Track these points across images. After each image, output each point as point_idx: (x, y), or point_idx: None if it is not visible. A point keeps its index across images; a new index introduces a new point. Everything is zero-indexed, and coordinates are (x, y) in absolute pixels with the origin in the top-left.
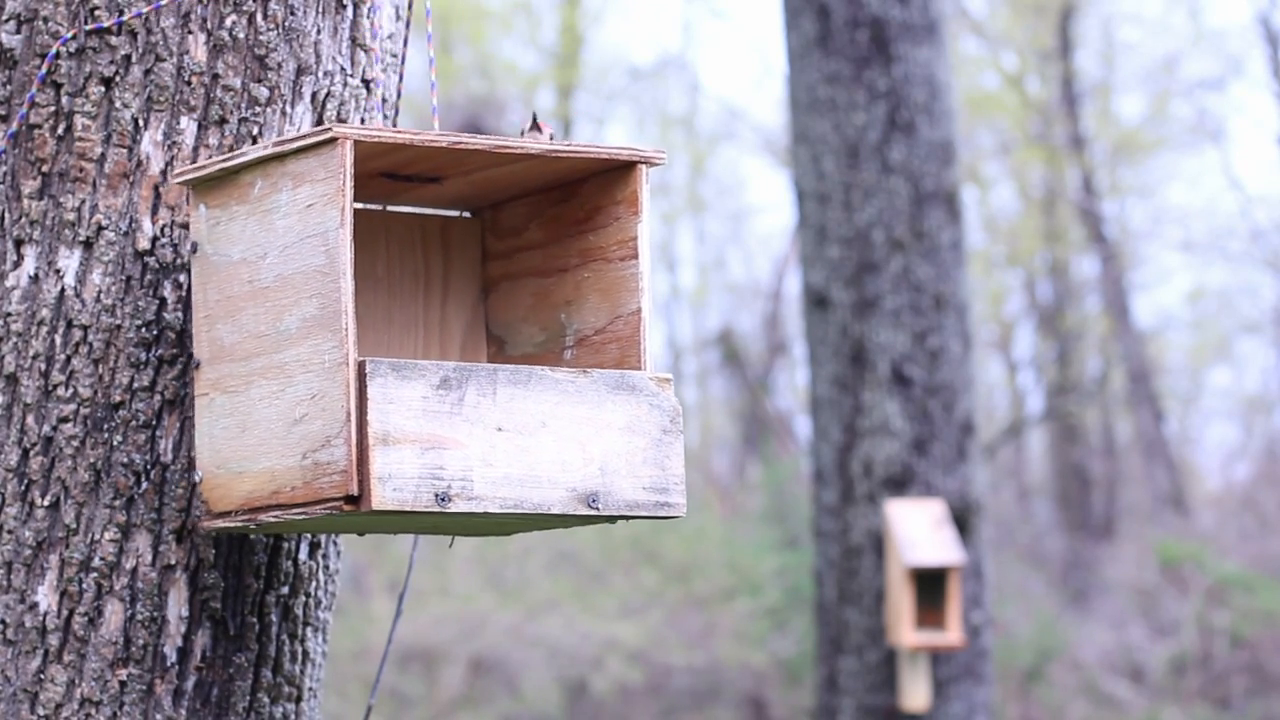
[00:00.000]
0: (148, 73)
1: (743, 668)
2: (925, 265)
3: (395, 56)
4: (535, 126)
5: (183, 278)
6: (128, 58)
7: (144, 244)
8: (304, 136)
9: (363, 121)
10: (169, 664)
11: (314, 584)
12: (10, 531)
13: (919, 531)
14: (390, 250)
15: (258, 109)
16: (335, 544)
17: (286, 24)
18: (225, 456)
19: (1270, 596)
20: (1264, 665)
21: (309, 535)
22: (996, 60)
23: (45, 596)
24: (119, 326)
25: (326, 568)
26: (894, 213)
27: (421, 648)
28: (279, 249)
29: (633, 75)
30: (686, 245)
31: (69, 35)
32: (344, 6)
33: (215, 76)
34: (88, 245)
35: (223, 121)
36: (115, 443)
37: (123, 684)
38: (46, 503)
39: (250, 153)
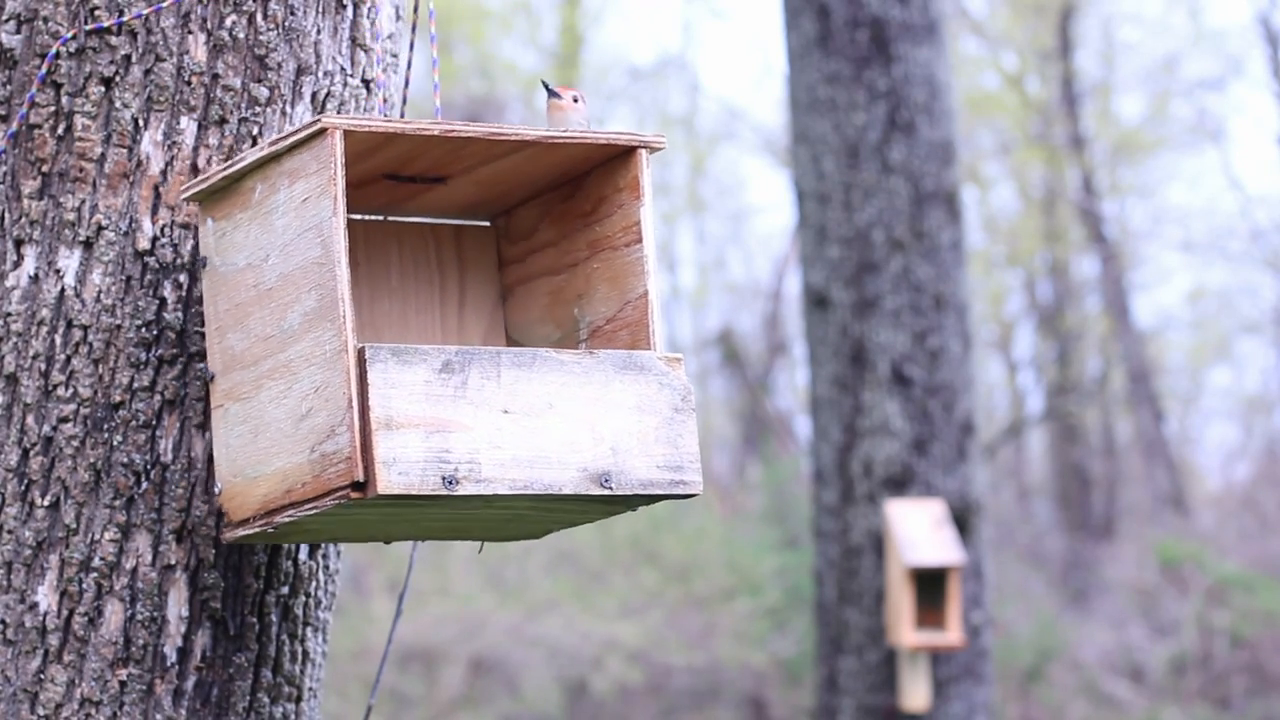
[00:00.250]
0: (148, 73)
1: (743, 668)
2: (925, 265)
3: (395, 56)
4: (554, 94)
5: (183, 278)
6: (128, 58)
7: (144, 244)
8: (296, 132)
9: None
10: (169, 664)
11: (314, 584)
12: (10, 531)
13: (919, 531)
14: (404, 261)
15: (258, 109)
16: (335, 544)
17: (286, 24)
18: (241, 464)
19: (1270, 596)
20: (1264, 665)
21: None
22: (996, 60)
23: (45, 596)
24: (119, 326)
25: (326, 568)
26: (894, 213)
27: (421, 648)
28: (279, 248)
29: (633, 75)
30: (686, 245)
31: (69, 35)
32: (344, 6)
33: (215, 76)
34: (88, 245)
35: (223, 121)
36: (115, 443)
37: (123, 684)
38: (46, 503)
39: (249, 156)
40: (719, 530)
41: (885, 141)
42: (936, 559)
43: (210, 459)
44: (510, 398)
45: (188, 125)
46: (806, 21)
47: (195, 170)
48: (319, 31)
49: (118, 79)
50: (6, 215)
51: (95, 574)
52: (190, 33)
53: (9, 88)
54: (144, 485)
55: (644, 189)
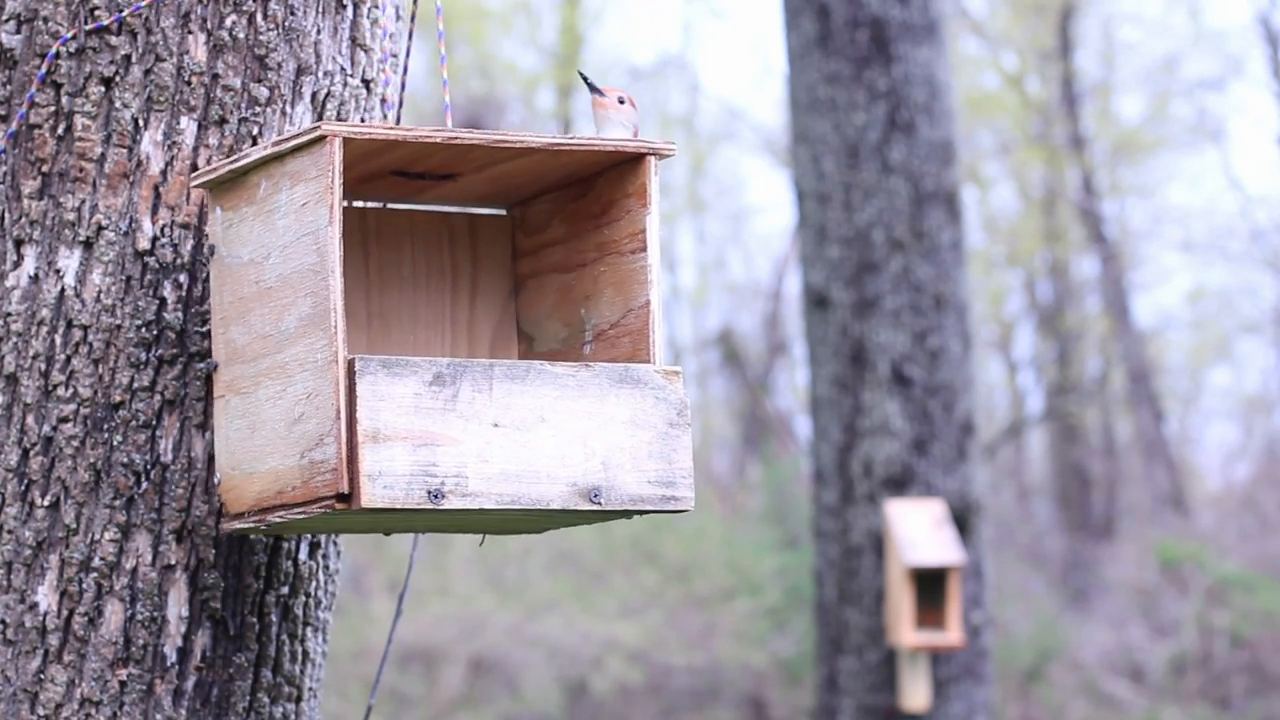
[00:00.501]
0: (148, 73)
1: (743, 668)
2: (925, 265)
3: (396, 56)
4: (596, 90)
5: (183, 278)
6: (128, 58)
7: (144, 244)
8: (298, 135)
9: (362, 120)
10: (169, 664)
11: (314, 584)
12: (10, 531)
13: (919, 531)
14: (416, 250)
15: (258, 109)
16: (335, 544)
17: (286, 24)
18: (239, 458)
19: (1270, 596)
20: (1264, 665)
21: (309, 535)
22: (996, 60)
23: (45, 596)
24: (119, 326)
25: (326, 568)
26: (894, 213)
27: (421, 648)
28: (280, 249)
29: (633, 75)
30: (686, 245)
31: (69, 35)
32: (344, 6)
33: (215, 76)
34: (88, 245)
35: (223, 121)
36: (115, 443)
37: (123, 684)
38: (46, 503)
39: (254, 153)
40: (719, 530)
41: (885, 141)
42: (936, 559)
43: (210, 459)
44: (501, 411)
45: (188, 125)
46: (806, 21)
47: (195, 170)
48: (319, 31)
49: (118, 79)
50: (6, 215)
51: (95, 574)
52: (190, 33)
53: (9, 88)
54: (144, 485)
55: (651, 197)
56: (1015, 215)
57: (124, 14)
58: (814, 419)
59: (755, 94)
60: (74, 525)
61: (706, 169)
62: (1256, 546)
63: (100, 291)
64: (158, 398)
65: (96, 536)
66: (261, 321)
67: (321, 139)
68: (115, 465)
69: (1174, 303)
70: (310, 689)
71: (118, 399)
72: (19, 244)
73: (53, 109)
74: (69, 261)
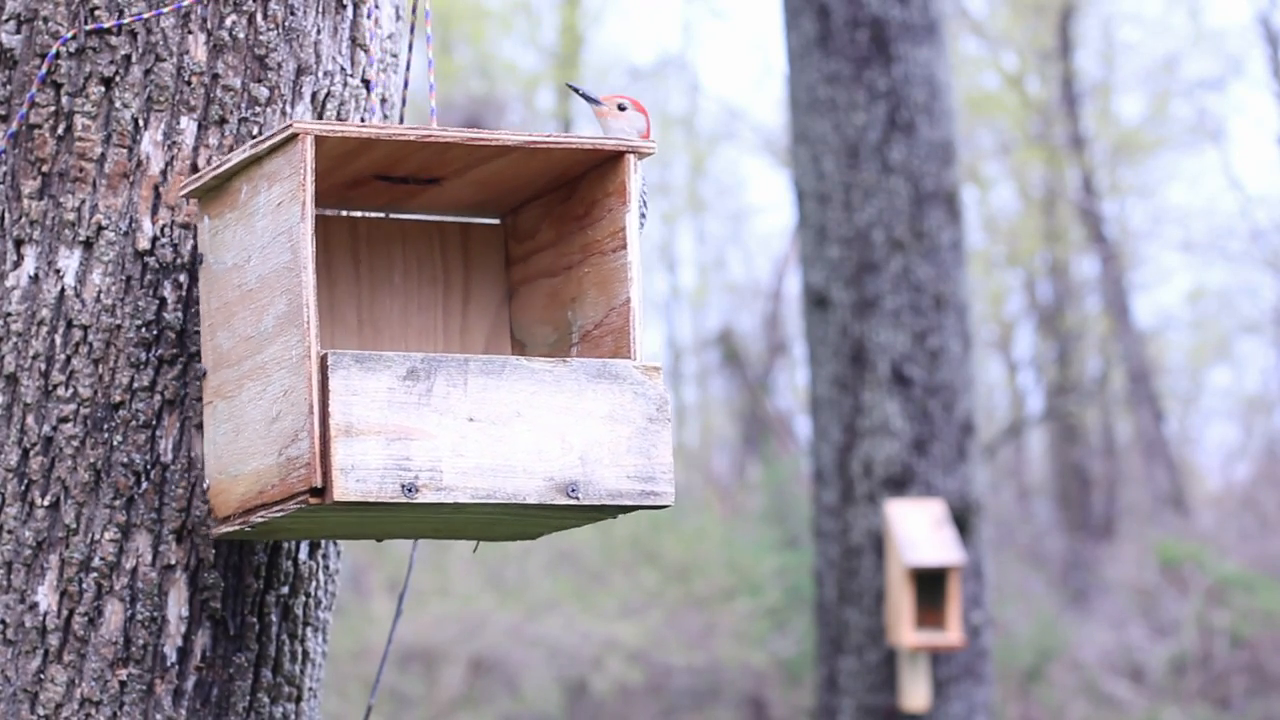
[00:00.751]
0: (148, 73)
1: (743, 668)
2: (925, 265)
3: (395, 56)
4: (593, 100)
5: (183, 278)
6: (128, 58)
7: (144, 244)
8: (271, 136)
9: (362, 120)
10: (169, 664)
11: (314, 584)
12: (10, 531)
13: (919, 531)
14: (408, 258)
15: (258, 109)
16: (335, 544)
17: (286, 24)
18: (225, 461)
19: (1270, 596)
20: (1264, 665)
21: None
22: (996, 60)
23: (45, 596)
24: (119, 326)
25: (326, 568)
26: (894, 213)
27: (421, 648)
28: (259, 250)
29: (633, 75)
30: (686, 245)
31: (69, 35)
32: (344, 6)
33: (215, 76)
34: (88, 245)
35: (223, 121)
36: (115, 443)
37: (123, 684)
38: (46, 503)
39: (235, 157)
40: (719, 530)
41: (885, 141)
42: (936, 559)
43: None
44: (476, 405)
45: (188, 125)
46: (806, 21)
47: (195, 170)
48: (319, 31)
49: (118, 79)
50: (6, 215)
51: (95, 574)
52: (190, 33)
53: (9, 88)
54: (144, 485)
55: (630, 195)
56: (1015, 215)
57: (124, 20)
58: (814, 419)
59: (755, 94)
60: (74, 525)
61: (706, 169)
62: (1256, 546)
63: (100, 291)
64: (158, 398)
65: (96, 536)
66: (244, 324)
67: (294, 138)
68: (115, 465)
69: (1174, 303)
70: (310, 689)
71: (118, 399)
72: (19, 244)
73: (53, 109)
74: (69, 261)
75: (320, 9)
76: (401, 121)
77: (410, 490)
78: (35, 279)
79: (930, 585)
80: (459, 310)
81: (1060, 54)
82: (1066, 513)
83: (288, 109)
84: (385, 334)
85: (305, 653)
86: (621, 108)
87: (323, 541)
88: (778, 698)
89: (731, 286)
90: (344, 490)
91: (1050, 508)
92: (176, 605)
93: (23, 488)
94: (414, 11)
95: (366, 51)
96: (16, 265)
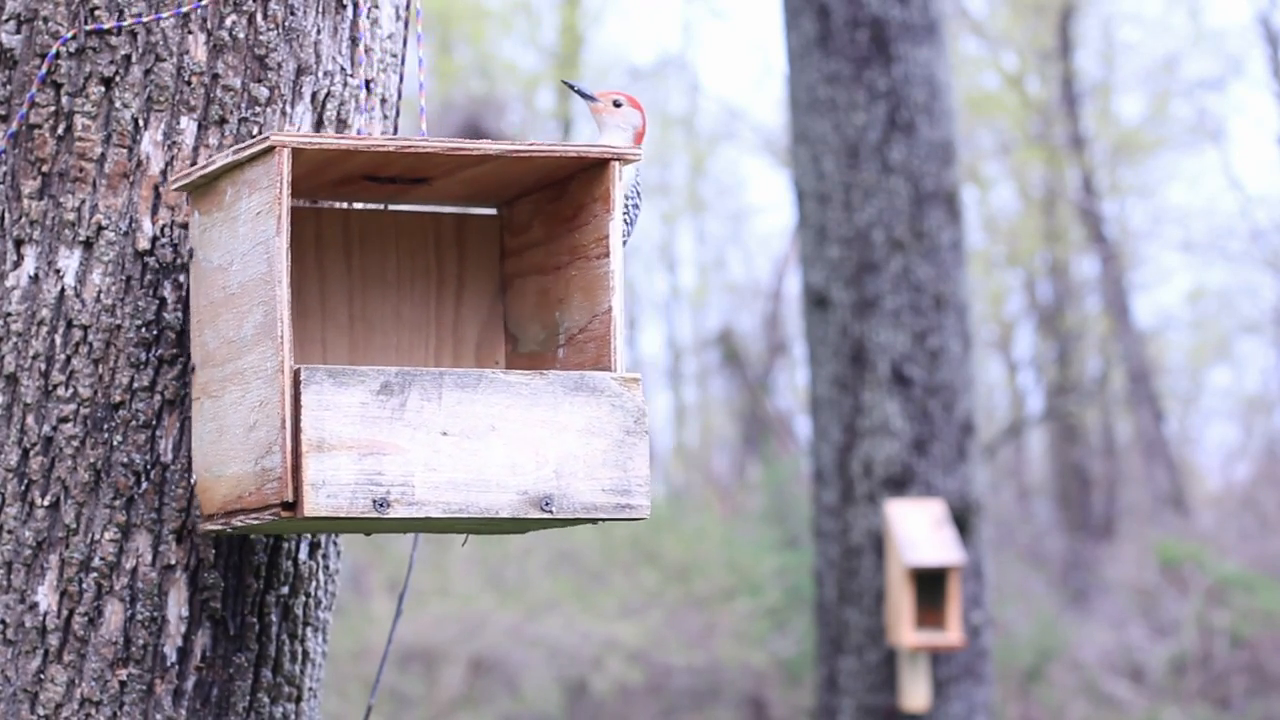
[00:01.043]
0: (148, 73)
1: (743, 668)
2: (925, 265)
3: (395, 56)
4: (588, 97)
5: (182, 278)
6: (128, 58)
7: (144, 244)
8: (251, 145)
9: (362, 122)
10: (169, 664)
11: (314, 584)
12: (10, 531)
13: (919, 531)
14: (400, 252)
15: (258, 109)
16: (335, 544)
17: (286, 24)
18: (210, 460)
19: (1270, 596)
20: (1264, 665)
21: (309, 535)
22: (996, 60)
23: (45, 596)
24: (119, 326)
25: (326, 568)
26: (894, 213)
27: (421, 648)
28: (241, 255)
29: (633, 75)
30: (686, 245)
31: (69, 35)
32: (344, 6)
33: (215, 76)
34: (88, 245)
35: (223, 121)
36: (115, 443)
37: (123, 684)
38: (46, 503)
39: (219, 160)
40: (719, 530)
41: (885, 141)
42: (936, 559)
43: None
44: (450, 419)
45: (188, 125)
46: (806, 21)
47: None
48: (319, 31)
49: (118, 79)
50: (6, 215)
51: (95, 574)
52: (190, 33)
53: (9, 88)
54: (144, 485)
55: (614, 202)
56: (1015, 215)
57: (124, 23)
58: (814, 419)
59: (755, 94)
60: (74, 525)
61: (706, 169)
62: (1256, 546)
63: (100, 291)
64: (158, 398)
65: (96, 536)
66: (227, 327)
67: (270, 150)
68: (115, 465)
69: (1174, 303)
70: (310, 689)
71: (118, 399)
72: (19, 244)
73: (53, 109)
74: (69, 261)
75: (320, 9)
76: (397, 122)
77: (381, 505)
78: (35, 279)
79: (930, 585)
80: (452, 304)
81: (1060, 54)
82: (1066, 513)
83: (288, 109)
84: (377, 329)
85: (305, 653)
86: (617, 104)
87: (323, 541)
88: (778, 698)
89: (731, 286)
90: (314, 506)
91: (1050, 508)
92: (176, 605)
93: (23, 488)
94: (408, 9)
95: (367, 51)
96: (16, 265)
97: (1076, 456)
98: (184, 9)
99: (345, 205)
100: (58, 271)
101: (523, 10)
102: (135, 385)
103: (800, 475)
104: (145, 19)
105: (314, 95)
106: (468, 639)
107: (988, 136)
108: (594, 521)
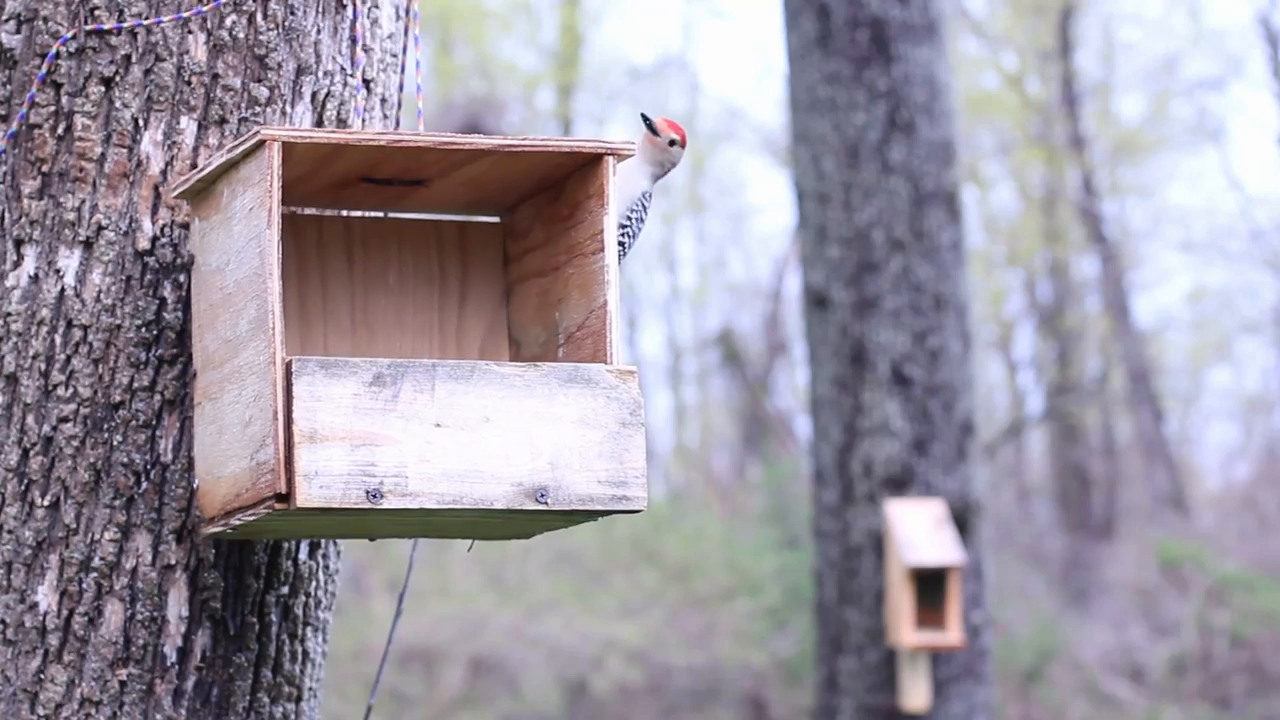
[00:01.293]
0: (148, 73)
1: (743, 668)
2: (925, 265)
3: (395, 56)
4: (652, 129)
5: (183, 278)
6: (128, 58)
7: (144, 244)
8: (243, 141)
9: (364, 123)
10: (169, 664)
11: (314, 584)
12: (10, 531)
13: (919, 531)
14: (403, 257)
15: (258, 109)
16: (335, 544)
17: (286, 24)
18: (210, 462)
19: (1270, 596)
20: (1264, 665)
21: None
22: (996, 60)
23: (45, 596)
24: (119, 326)
25: (326, 568)
26: (894, 213)
27: (421, 648)
28: (236, 254)
29: (633, 75)
30: (686, 245)
31: (69, 35)
32: (344, 6)
33: (215, 76)
34: (88, 245)
35: (223, 121)
36: (115, 443)
37: (123, 684)
38: (46, 503)
39: (215, 161)
40: (719, 530)
41: (885, 141)
42: (936, 559)
43: None
44: (444, 411)
45: (188, 125)
46: (806, 21)
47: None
48: (319, 31)
49: (118, 79)
50: (6, 215)
51: (95, 574)
52: (190, 33)
53: (9, 88)
54: (144, 485)
55: (609, 197)
56: (1015, 215)
57: (124, 24)
58: (814, 419)
59: (755, 94)
60: (74, 525)
61: (706, 169)
62: (1256, 546)
63: (100, 291)
64: (158, 398)
65: (96, 536)
66: (225, 327)
67: (261, 144)
68: (115, 465)
69: (1174, 303)
70: (310, 689)
71: (118, 399)
72: (19, 244)
73: (53, 109)
74: (69, 261)
75: (320, 9)
76: (398, 121)
77: (375, 496)
78: (35, 279)
79: (930, 585)
80: (455, 310)
81: (1060, 54)
82: (1066, 513)
83: (288, 109)
84: (380, 335)
85: (305, 653)
86: (672, 144)
87: (323, 541)
88: (778, 698)
89: (731, 286)
90: (307, 496)
91: (1050, 508)
92: (176, 605)
93: (23, 488)
94: (407, 12)
95: (367, 51)
96: (16, 265)
97: (1076, 456)
98: (184, 15)
99: (346, 215)
100: (58, 271)
101: (523, 10)
102: (135, 385)
103: (800, 475)
104: (145, 20)
105: (314, 95)
106: (468, 639)
107: (988, 136)
108: (591, 515)
